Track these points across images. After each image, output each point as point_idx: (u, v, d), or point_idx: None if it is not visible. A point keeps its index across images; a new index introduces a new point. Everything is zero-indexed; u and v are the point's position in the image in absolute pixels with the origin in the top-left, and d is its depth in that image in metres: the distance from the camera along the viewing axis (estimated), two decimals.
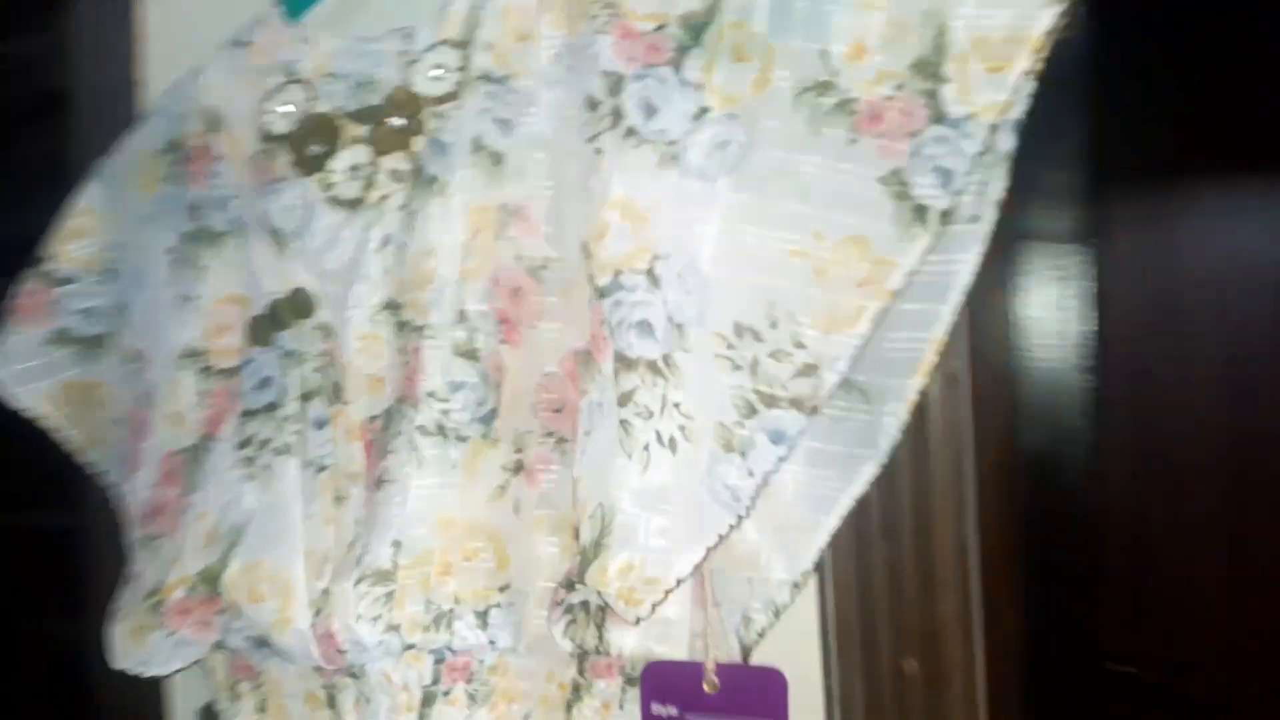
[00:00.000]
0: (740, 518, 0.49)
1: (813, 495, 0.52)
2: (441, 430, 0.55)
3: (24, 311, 0.69)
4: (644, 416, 0.48)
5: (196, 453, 0.61)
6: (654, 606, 0.48)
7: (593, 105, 0.52)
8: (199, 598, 0.57)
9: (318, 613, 0.54)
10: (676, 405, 0.49)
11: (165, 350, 0.63)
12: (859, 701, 0.54)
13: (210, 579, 0.56)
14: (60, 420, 0.71)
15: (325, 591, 0.54)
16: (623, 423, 0.48)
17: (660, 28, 0.53)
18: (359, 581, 0.54)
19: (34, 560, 0.96)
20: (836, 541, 0.53)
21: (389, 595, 0.54)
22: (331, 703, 0.57)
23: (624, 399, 0.49)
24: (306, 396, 0.58)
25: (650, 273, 0.50)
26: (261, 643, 0.56)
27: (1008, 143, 0.50)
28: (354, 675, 0.56)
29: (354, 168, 0.59)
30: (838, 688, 0.54)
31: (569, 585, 0.51)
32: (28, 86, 0.89)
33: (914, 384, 0.51)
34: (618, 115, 0.52)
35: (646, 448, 0.48)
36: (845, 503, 0.52)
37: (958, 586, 0.52)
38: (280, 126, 0.61)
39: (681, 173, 0.51)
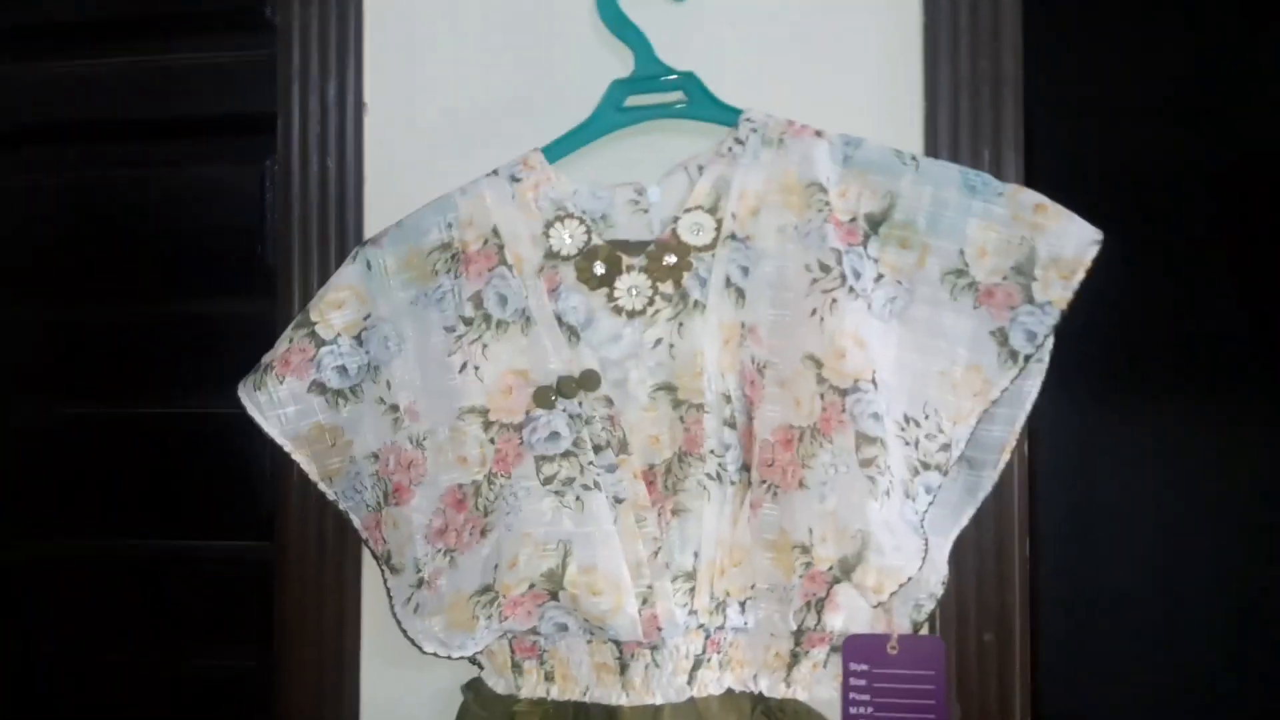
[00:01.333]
0: (926, 541, 0.78)
1: (937, 527, 0.82)
2: (719, 477, 0.79)
3: (293, 365, 0.84)
4: (881, 473, 0.76)
5: (482, 487, 0.80)
6: (890, 595, 0.75)
7: (825, 269, 0.80)
8: (534, 593, 0.76)
9: (644, 601, 0.76)
10: (889, 467, 0.77)
11: (446, 405, 0.81)
12: (954, 662, 0.84)
13: (553, 579, 0.76)
14: (305, 456, 0.85)
15: (649, 587, 0.77)
16: (869, 478, 0.76)
17: (852, 220, 0.82)
18: (674, 580, 0.77)
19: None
20: None
21: (691, 589, 0.77)
22: (623, 670, 0.79)
23: (866, 463, 0.76)
24: (598, 449, 0.80)
25: (874, 380, 0.78)
26: (580, 627, 0.77)
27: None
28: (653, 647, 0.78)
29: (633, 288, 0.82)
30: None
31: (834, 580, 0.76)
32: None
33: (1004, 458, 0.83)
34: (843, 277, 0.79)
35: (886, 493, 0.76)
36: (956, 532, 0.83)
37: (1023, 583, 0.84)
38: (567, 250, 0.82)
39: (873, 316, 0.80)
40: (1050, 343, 0.83)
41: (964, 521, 0.84)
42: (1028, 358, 0.80)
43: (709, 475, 0.79)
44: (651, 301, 0.82)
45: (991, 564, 0.85)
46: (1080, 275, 0.79)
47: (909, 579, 0.76)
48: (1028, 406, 0.83)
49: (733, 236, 0.82)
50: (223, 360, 1.04)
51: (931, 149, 0.89)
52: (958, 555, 0.84)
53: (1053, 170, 0.91)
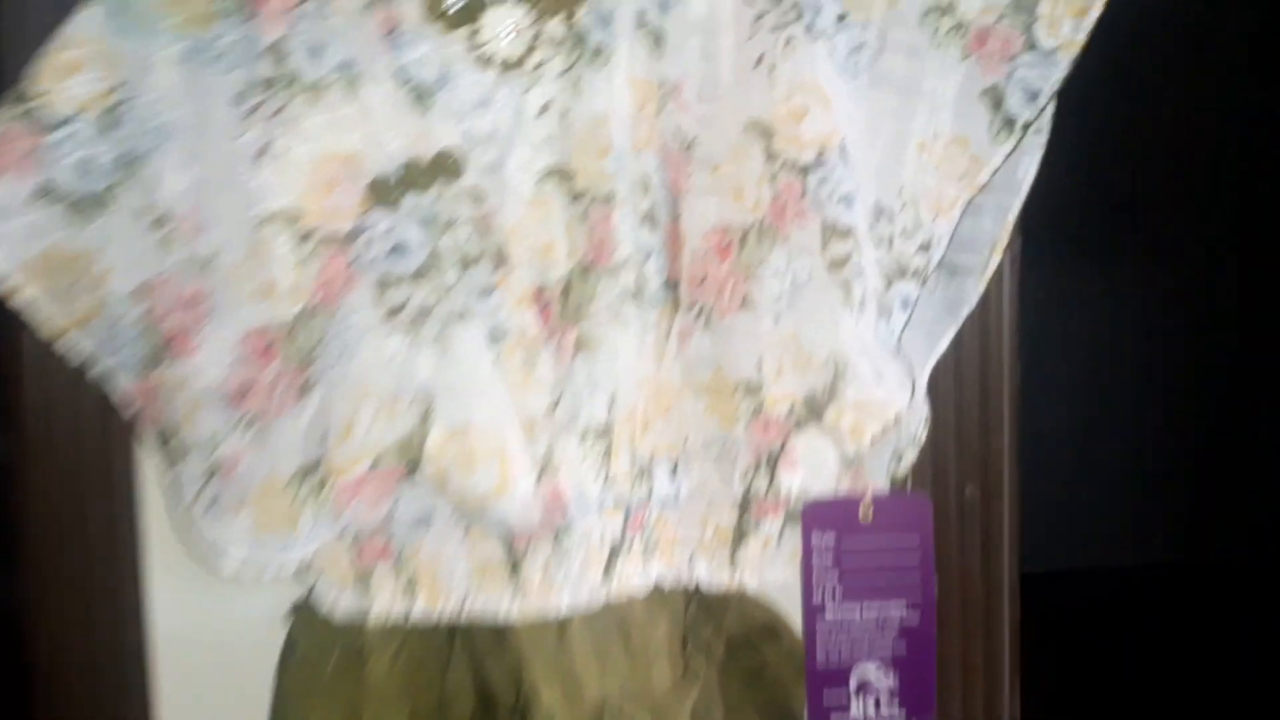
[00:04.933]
0: (911, 367, 0.59)
1: (911, 354, 0.63)
2: (639, 295, 0.57)
3: (6, 161, 0.56)
4: (856, 276, 0.56)
5: (297, 326, 0.56)
6: (871, 439, 0.56)
7: (774, 0, 0.57)
8: (380, 472, 0.53)
9: (541, 472, 0.54)
10: (864, 270, 0.57)
11: (237, 211, 0.56)
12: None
13: (408, 449, 0.53)
14: (37, 294, 0.58)
15: (548, 451, 0.55)
16: (842, 284, 0.56)
17: None
18: (582, 439, 0.55)
19: None
20: None
21: (605, 451, 0.56)
22: (514, 569, 0.57)
23: (838, 263, 0.56)
24: (465, 264, 0.56)
25: (842, 150, 0.57)
26: (451, 516, 0.55)
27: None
28: (556, 534, 0.56)
29: (507, 28, 0.57)
30: None
31: (795, 426, 0.57)
32: None
33: (993, 260, 0.64)
34: (799, 10, 0.57)
35: (861, 304, 0.56)
36: (933, 359, 0.64)
37: (1012, 422, 0.66)
38: None
39: (837, 69, 0.59)
40: (1052, 108, 0.64)
41: (942, 346, 0.65)
42: (1026, 126, 0.61)
43: (625, 293, 0.57)
44: (533, 48, 0.57)
45: (974, 399, 0.67)
46: (1097, 10, 0.60)
47: (895, 417, 0.57)
48: (1023, 192, 0.65)
49: None
50: None
51: None
52: (931, 389, 0.66)
53: None
